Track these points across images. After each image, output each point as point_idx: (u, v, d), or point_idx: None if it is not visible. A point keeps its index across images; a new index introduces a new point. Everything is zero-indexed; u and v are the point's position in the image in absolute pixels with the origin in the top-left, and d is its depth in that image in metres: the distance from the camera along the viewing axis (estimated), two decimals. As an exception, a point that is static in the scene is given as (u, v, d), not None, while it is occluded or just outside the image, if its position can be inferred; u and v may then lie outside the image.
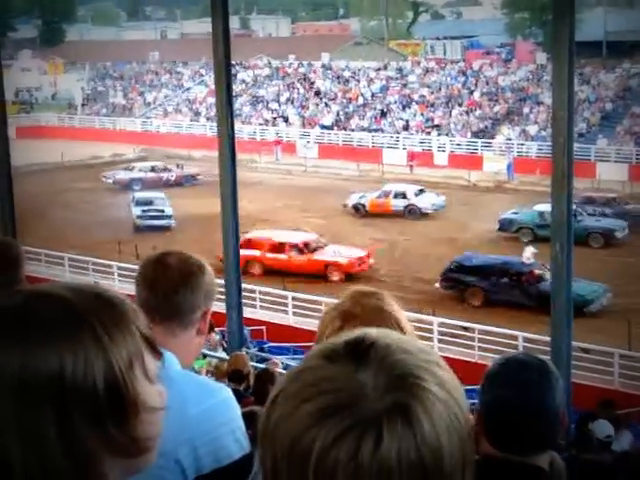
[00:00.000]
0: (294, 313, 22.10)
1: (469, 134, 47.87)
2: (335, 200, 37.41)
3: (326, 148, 50.36)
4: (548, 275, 23.83)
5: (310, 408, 0.99)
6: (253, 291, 21.99)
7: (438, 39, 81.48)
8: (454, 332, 20.40)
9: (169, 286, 2.32)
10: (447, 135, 48.30)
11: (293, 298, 22.43)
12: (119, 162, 48.44)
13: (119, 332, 1.13)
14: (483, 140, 46.76)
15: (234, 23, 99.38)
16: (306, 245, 27.82)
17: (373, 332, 1.07)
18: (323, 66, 61.15)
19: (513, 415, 2.00)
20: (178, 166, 44.26)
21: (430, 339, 20.00)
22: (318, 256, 27.27)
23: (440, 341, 20.01)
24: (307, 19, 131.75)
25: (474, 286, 24.14)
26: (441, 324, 20.75)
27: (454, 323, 21.06)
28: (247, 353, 10.67)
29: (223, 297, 9.38)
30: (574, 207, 29.54)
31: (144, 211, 33.78)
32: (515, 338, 19.19)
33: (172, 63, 68.04)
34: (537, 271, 24.01)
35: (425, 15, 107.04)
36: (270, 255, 27.37)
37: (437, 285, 25.07)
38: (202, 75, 63.75)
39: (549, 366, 2.09)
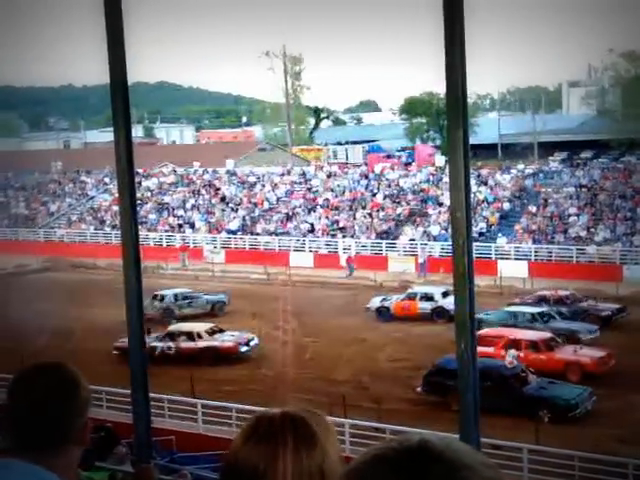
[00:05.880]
0: (204, 421, 21.69)
1: (373, 235, 48.62)
2: (243, 303, 37.35)
3: (233, 253, 50.41)
4: (532, 378, 23.86)
5: None
6: (161, 400, 21.57)
7: (340, 144, 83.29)
8: (365, 434, 20.28)
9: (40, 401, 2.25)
10: (352, 237, 48.95)
11: (202, 406, 22.05)
12: (23, 273, 47.52)
13: None
14: (387, 241, 47.54)
15: (138, 132, 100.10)
16: (543, 342, 26.50)
17: (435, 441, 1.04)
18: (228, 172, 61.72)
19: None
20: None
21: (342, 441, 19.84)
22: (559, 354, 25.96)
23: (352, 443, 19.87)
24: (211, 127, 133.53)
25: (456, 390, 23.01)
26: (352, 426, 20.63)
27: (366, 424, 20.98)
28: (155, 465, 10.37)
29: (130, 407, 9.18)
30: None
31: None
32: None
33: (75, 172, 67.67)
34: (521, 374, 23.53)
35: (326, 121, 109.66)
36: (504, 352, 25.61)
37: (419, 389, 24.40)
38: (106, 184, 63.55)
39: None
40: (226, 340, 29.43)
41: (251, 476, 1.70)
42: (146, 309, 36.51)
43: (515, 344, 26.07)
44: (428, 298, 34.61)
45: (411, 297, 34.95)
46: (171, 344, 28.97)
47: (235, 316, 35.79)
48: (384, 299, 35.52)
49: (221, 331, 30.20)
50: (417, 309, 34.28)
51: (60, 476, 2.15)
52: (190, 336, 29.37)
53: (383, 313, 34.50)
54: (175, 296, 36.58)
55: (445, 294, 34.46)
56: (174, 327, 30.62)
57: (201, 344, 28.97)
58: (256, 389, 24.63)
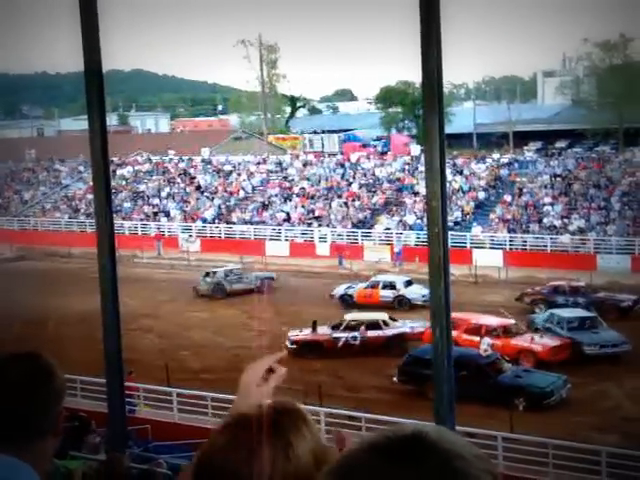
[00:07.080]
0: (179, 410, 21.66)
1: (349, 224, 48.65)
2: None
3: (208, 241, 50.29)
4: (507, 367, 23.94)
5: None
6: (137, 389, 21.51)
7: (316, 133, 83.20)
8: (341, 422, 20.31)
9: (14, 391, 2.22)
10: (328, 226, 48.95)
11: (178, 394, 22.01)
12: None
13: None
14: (363, 230, 47.57)
15: (112, 120, 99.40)
16: (502, 328, 26.83)
17: (429, 431, 1.07)
18: (203, 161, 61.49)
19: None
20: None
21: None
22: (514, 341, 26.13)
23: (328, 432, 19.91)
24: (186, 115, 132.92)
25: (431, 380, 22.87)
26: (328, 414, 20.66)
27: (340, 413, 21.02)
28: (129, 454, 10.38)
29: (105, 397, 9.14)
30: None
31: None
32: (401, 425, 19.20)
33: (49, 160, 67.19)
34: (497, 363, 23.69)
35: (302, 110, 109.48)
36: (466, 336, 25.89)
37: (394, 379, 24.48)
38: (81, 172, 63.16)
39: None
40: (415, 327, 28.23)
41: (225, 473, 1.66)
42: (198, 285, 36.96)
43: (477, 329, 26.34)
44: (391, 287, 34.82)
45: (374, 285, 35.16)
46: (356, 334, 27.92)
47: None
48: (349, 287, 35.69)
49: (394, 320, 29.16)
50: (379, 297, 34.37)
51: (35, 466, 2.13)
52: (374, 325, 28.20)
53: (346, 300, 34.63)
54: (225, 273, 38.35)
55: (408, 283, 34.68)
56: (350, 317, 29.14)
57: (389, 332, 28.09)
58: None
